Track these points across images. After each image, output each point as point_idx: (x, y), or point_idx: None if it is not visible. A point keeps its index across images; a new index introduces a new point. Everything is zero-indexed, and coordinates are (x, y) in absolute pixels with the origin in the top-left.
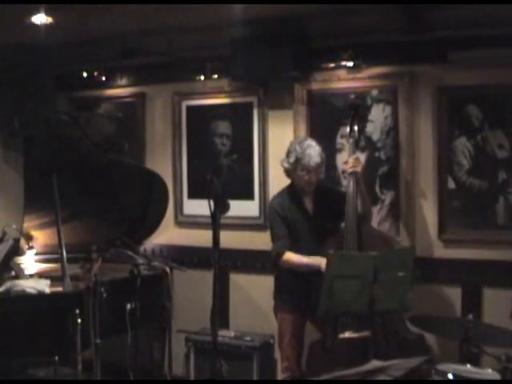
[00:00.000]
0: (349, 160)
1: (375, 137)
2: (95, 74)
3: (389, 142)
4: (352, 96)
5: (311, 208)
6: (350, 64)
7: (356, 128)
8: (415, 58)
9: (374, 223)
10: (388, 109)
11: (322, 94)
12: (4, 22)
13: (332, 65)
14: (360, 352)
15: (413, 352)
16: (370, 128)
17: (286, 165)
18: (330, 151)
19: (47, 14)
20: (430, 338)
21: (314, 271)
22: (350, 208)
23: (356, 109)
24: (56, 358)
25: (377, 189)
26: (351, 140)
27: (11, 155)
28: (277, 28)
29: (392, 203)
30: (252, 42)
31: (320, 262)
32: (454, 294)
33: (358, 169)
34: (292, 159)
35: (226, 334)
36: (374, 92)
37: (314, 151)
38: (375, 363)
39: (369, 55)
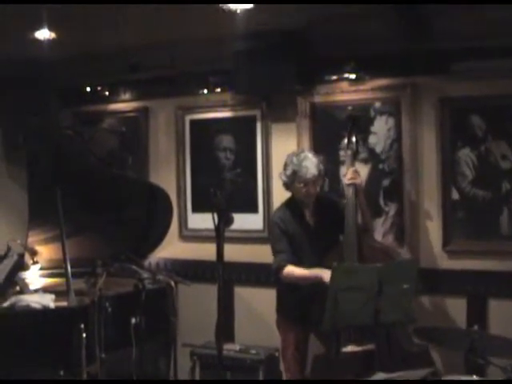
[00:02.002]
0: (347, 172)
1: (378, 149)
2: (99, 88)
3: (392, 154)
4: (350, 108)
5: (312, 221)
6: (353, 76)
7: (354, 140)
8: (418, 70)
9: (378, 235)
10: (391, 121)
11: (325, 107)
12: (8, 37)
13: (335, 77)
14: (364, 365)
15: (417, 365)
16: (373, 140)
17: (284, 178)
18: (333, 164)
19: (50, 29)
20: (434, 351)
21: (315, 283)
22: (350, 220)
23: (354, 120)
24: (61, 372)
25: (381, 201)
26: (349, 152)
27: (15, 170)
28: (279, 41)
29: (396, 215)
30: (254, 56)
31: (321, 273)
32: (459, 306)
33: (357, 181)
34: (289, 172)
35: (231, 348)
36: (377, 104)
37: (310, 163)
38: (381, 375)
39: (371, 67)
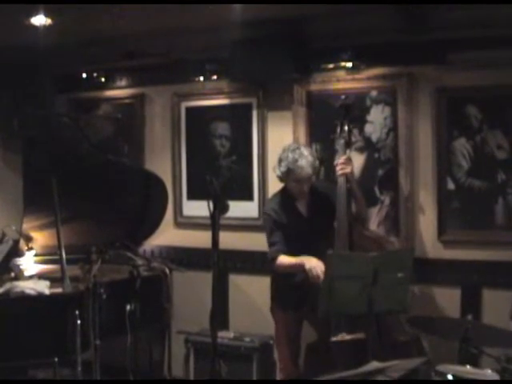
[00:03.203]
0: (339, 161)
1: (374, 138)
2: (94, 75)
3: (388, 143)
4: (343, 97)
5: (305, 210)
6: (349, 65)
7: (347, 128)
8: (414, 59)
9: (373, 224)
10: (387, 110)
11: (321, 95)
12: (3, 23)
13: (331, 66)
14: (355, 354)
15: (408, 354)
16: (369, 129)
17: (278, 172)
18: (329, 152)
19: (46, 15)
20: (426, 340)
21: (300, 271)
22: (341, 208)
23: (347, 109)
24: (56, 359)
25: (376, 190)
26: (342, 141)
27: (11, 157)
28: (276, 29)
29: (391, 204)
30: (251, 44)
31: (304, 260)
32: (454, 295)
33: (348, 170)
34: (283, 168)
35: (225, 335)
36: (373, 93)
37: (305, 162)
38: (375, 364)
39: (368, 56)
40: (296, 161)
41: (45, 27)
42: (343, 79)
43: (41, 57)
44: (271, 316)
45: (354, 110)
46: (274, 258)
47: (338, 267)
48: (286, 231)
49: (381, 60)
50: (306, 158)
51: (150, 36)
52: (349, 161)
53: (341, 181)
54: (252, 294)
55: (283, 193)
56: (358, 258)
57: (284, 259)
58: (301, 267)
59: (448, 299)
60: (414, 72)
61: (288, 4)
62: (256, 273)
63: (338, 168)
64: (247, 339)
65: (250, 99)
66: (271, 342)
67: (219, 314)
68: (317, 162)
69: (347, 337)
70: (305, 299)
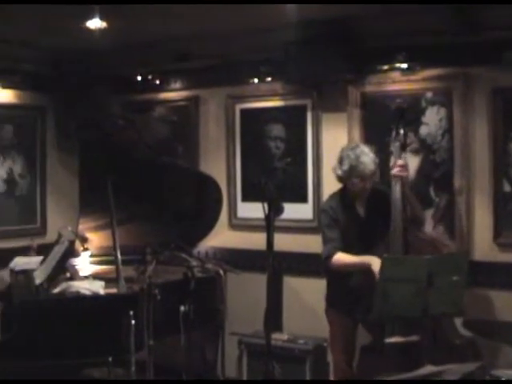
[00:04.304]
0: (394, 164)
1: (429, 139)
2: (149, 77)
3: (443, 145)
4: (398, 99)
5: (363, 212)
6: (405, 66)
7: (402, 132)
8: (470, 60)
9: (429, 227)
10: (442, 111)
11: (376, 97)
12: (60, 27)
13: (386, 67)
14: (409, 356)
15: (464, 358)
16: (424, 130)
17: (339, 172)
18: (384, 154)
19: (102, 18)
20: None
21: (365, 273)
22: (396, 212)
23: (402, 112)
24: (110, 358)
25: (431, 192)
26: (397, 144)
27: (67, 158)
28: (331, 30)
29: (447, 206)
30: (306, 45)
31: (369, 260)
32: (510, 298)
33: (403, 173)
34: (346, 167)
35: (279, 337)
36: (429, 94)
37: (368, 158)
38: (429, 368)
39: (423, 57)
40: (358, 158)
41: (100, 30)
42: (398, 80)
43: (96, 60)
44: (326, 318)
45: (409, 113)
46: (330, 255)
47: (392, 270)
48: (343, 230)
49: (436, 61)
50: (367, 155)
51: (204, 38)
52: (405, 164)
53: (396, 184)
54: (306, 296)
55: (342, 192)
56: (413, 261)
57: (344, 257)
58: (364, 266)
59: (504, 302)
60: (470, 73)
61: (343, 4)
62: (310, 275)
63: (394, 171)
64: (301, 341)
65: (304, 101)
66: (325, 344)
67: (273, 316)
68: (377, 159)
69: (401, 339)
70: (360, 301)
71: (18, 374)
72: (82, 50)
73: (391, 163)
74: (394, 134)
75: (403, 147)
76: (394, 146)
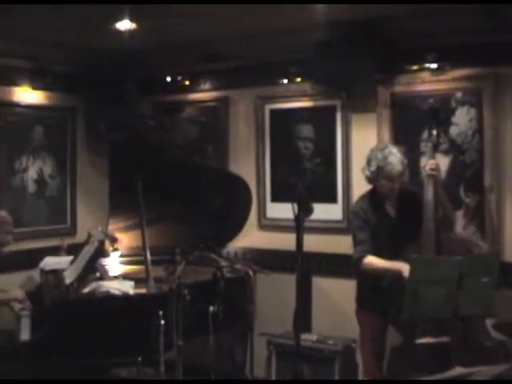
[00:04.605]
0: (427, 164)
1: (459, 140)
2: (179, 78)
3: (473, 145)
4: (431, 100)
5: (393, 212)
6: (434, 66)
7: (435, 132)
8: (500, 59)
9: (459, 227)
10: (472, 111)
11: (406, 97)
12: (90, 28)
13: (416, 67)
14: (439, 358)
15: (493, 359)
16: (454, 131)
17: (368, 173)
18: (414, 155)
19: (132, 20)
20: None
21: (395, 276)
22: (429, 212)
23: (435, 113)
24: (139, 358)
25: (461, 192)
26: (430, 144)
27: (97, 159)
28: (360, 30)
29: (477, 207)
30: (335, 45)
31: (401, 267)
32: None
33: (436, 173)
34: (373, 167)
35: (308, 338)
36: (458, 94)
37: (395, 159)
38: (459, 370)
39: (453, 57)
40: (386, 158)
41: (130, 32)
42: (428, 81)
43: (126, 61)
44: (356, 318)
45: (441, 113)
46: (361, 258)
47: (422, 271)
48: (373, 231)
49: (466, 61)
50: (395, 156)
51: (234, 38)
52: (437, 164)
53: (429, 184)
54: (335, 297)
55: (372, 193)
56: (443, 262)
57: (376, 261)
58: (396, 273)
59: None
60: (500, 72)
61: (373, 4)
62: (339, 275)
63: (426, 171)
64: (330, 342)
65: (333, 101)
66: (353, 345)
67: (302, 317)
68: (405, 160)
69: (432, 340)
70: (391, 302)
71: (48, 374)
72: (112, 51)
73: (423, 163)
74: (426, 134)
75: (436, 147)
76: (427, 147)
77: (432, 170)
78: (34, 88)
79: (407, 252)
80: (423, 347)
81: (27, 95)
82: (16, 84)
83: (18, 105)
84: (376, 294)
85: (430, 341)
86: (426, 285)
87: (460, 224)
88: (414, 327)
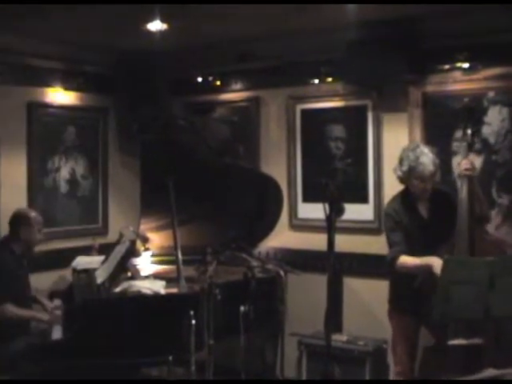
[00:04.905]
0: (462, 163)
1: (492, 139)
2: (210, 78)
3: (506, 145)
4: (466, 99)
5: (426, 213)
6: (466, 65)
7: (469, 131)
8: None
9: (491, 227)
10: (505, 111)
11: (437, 97)
12: (122, 29)
13: (447, 66)
14: (472, 359)
15: None
16: (486, 131)
17: (399, 173)
18: (445, 154)
19: (163, 20)
20: None
21: (428, 274)
22: (462, 211)
23: (469, 112)
24: (170, 358)
25: (494, 192)
26: (464, 143)
27: (129, 159)
28: (391, 30)
29: (510, 207)
30: (366, 45)
31: (431, 261)
32: None
33: (471, 172)
34: (405, 168)
35: (338, 338)
36: (491, 94)
37: (427, 159)
38: (492, 371)
39: (485, 56)
40: (418, 158)
41: (161, 32)
42: (460, 80)
43: (157, 61)
44: (387, 319)
45: (476, 112)
46: (395, 259)
47: (454, 271)
48: (406, 232)
49: (498, 60)
50: (427, 156)
51: (265, 38)
52: (473, 163)
53: (463, 183)
54: (366, 298)
55: (404, 194)
56: (474, 263)
57: (407, 260)
58: (427, 268)
59: None
60: None
61: (404, 4)
62: (370, 276)
63: (461, 169)
64: (361, 343)
65: (364, 101)
66: (384, 346)
67: (333, 317)
68: (437, 160)
69: (464, 341)
70: (423, 303)
71: (79, 373)
72: (144, 52)
73: (456, 163)
74: (461, 133)
75: (470, 147)
76: (461, 146)
77: (466, 169)
78: (66, 89)
79: (440, 252)
80: (455, 348)
81: (59, 96)
82: (48, 85)
83: (50, 105)
84: (409, 295)
85: (462, 342)
86: (457, 285)
87: (493, 224)
88: (445, 328)
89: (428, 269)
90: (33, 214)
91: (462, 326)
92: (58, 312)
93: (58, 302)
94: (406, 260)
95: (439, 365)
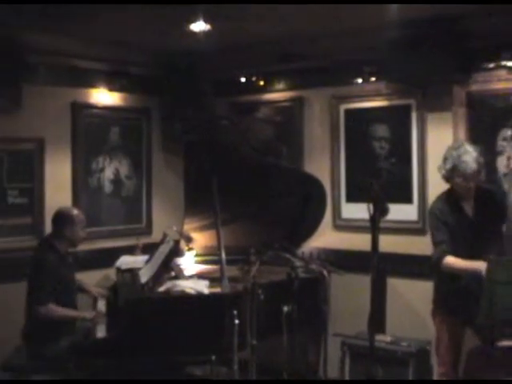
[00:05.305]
0: (509, 162)
1: None
2: (253, 78)
3: None
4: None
5: (471, 212)
6: (511, 64)
7: None
8: None
9: None
10: None
11: (482, 96)
12: (166, 30)
13: (492, 65)
14: None
15: None
16: None
17: (443, 171)
18: (490, 154)
19: (206, 21)
20: None
21: (474, 276)
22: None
23: None
24: (213, 357)
25: None
26: None
27: (172, 160)
28: (435, 29)
29: None
30: (410, 44)
31: (480, 266)
32: None
33: None
34: (448, 166)
35: (382, 339)
36: None
37: (470, 157)
38: None
39: None
40: (460, 157)
41: (204, 33)
42: (505, 79)
43: (201, 62)
44: (431, 320)
45: None
46: (440, 258)
47: (500, 272)
48: (451, 231)
49: None
50: (470, 154)
51: (308, 38)
52: None
53: (511, 182)
54: (410, 298)
55: (449, 193)
56: None
57: (454, 261)
58: (475, 272)
59: None
60: None
61: (448, 3)
62: (414, 277)
63: (508, 168)
64: (404, 344)
65: (408, 101)
66: (428, 347)
67: (377, 318)
68: (481, 159)
69: (510, 343)
70: (468, 304)
71: (123, 371)
72: (187, 53)
73: (502, 161)
74: (509, 132)
75: None
76: (509, 145)
77: None
78: (111, 90)
79: (487, 252)
80: (501, 350)
81: (104, 97)
82: (93, 86)
83: (94, 106)
84: (454, 296)
85: (508, 344)
86: (503, 286)
87: None
88: (491, 329)
89: (476, 273)
90: (75, 212)
91: (507, 328)
92: (103, 311)
93: (101, 302)
94: (452, 261)
95: (484, 367)
